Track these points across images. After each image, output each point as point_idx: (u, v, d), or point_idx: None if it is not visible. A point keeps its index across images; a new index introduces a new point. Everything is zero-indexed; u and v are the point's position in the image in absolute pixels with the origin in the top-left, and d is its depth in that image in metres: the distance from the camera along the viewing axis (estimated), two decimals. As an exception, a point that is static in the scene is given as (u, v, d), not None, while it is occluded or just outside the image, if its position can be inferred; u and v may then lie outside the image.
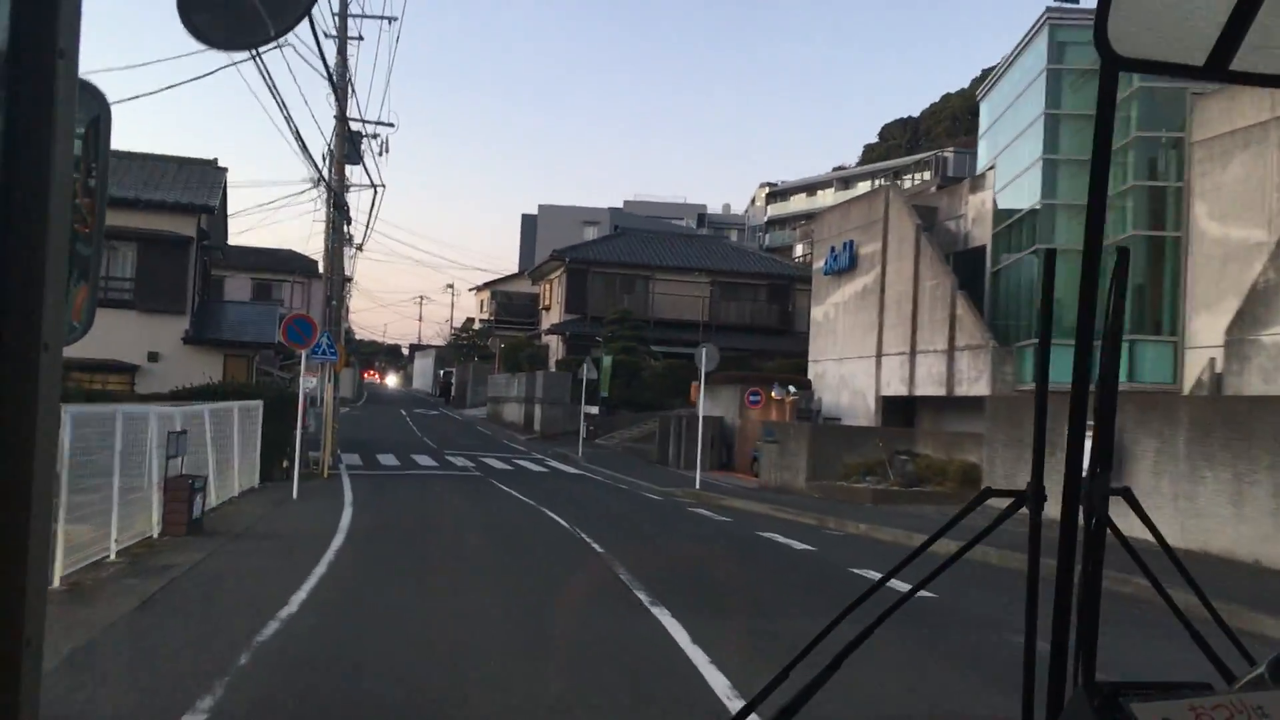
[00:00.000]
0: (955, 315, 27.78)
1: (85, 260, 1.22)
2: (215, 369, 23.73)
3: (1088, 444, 1.27)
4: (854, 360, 33.59)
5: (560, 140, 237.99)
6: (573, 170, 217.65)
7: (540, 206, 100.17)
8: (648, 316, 46.74)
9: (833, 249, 35.25)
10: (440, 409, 61.26)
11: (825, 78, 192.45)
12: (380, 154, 27.41)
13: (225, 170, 25.72)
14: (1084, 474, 1.27)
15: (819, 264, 36.85)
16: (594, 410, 40.73)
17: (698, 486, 22.87)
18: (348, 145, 25.56)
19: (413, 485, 21.74)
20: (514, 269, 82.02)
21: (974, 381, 26.79)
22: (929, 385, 28.96)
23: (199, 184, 24.30)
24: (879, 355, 31.75)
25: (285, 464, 22.87)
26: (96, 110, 1.22)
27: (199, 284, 25.32)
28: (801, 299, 49.85)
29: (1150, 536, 1.40)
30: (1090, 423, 1.25)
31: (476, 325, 72.66)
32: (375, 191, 33.09)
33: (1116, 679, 1.10)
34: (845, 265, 34.31)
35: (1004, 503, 1.37)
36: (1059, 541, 1.27)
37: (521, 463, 29.74)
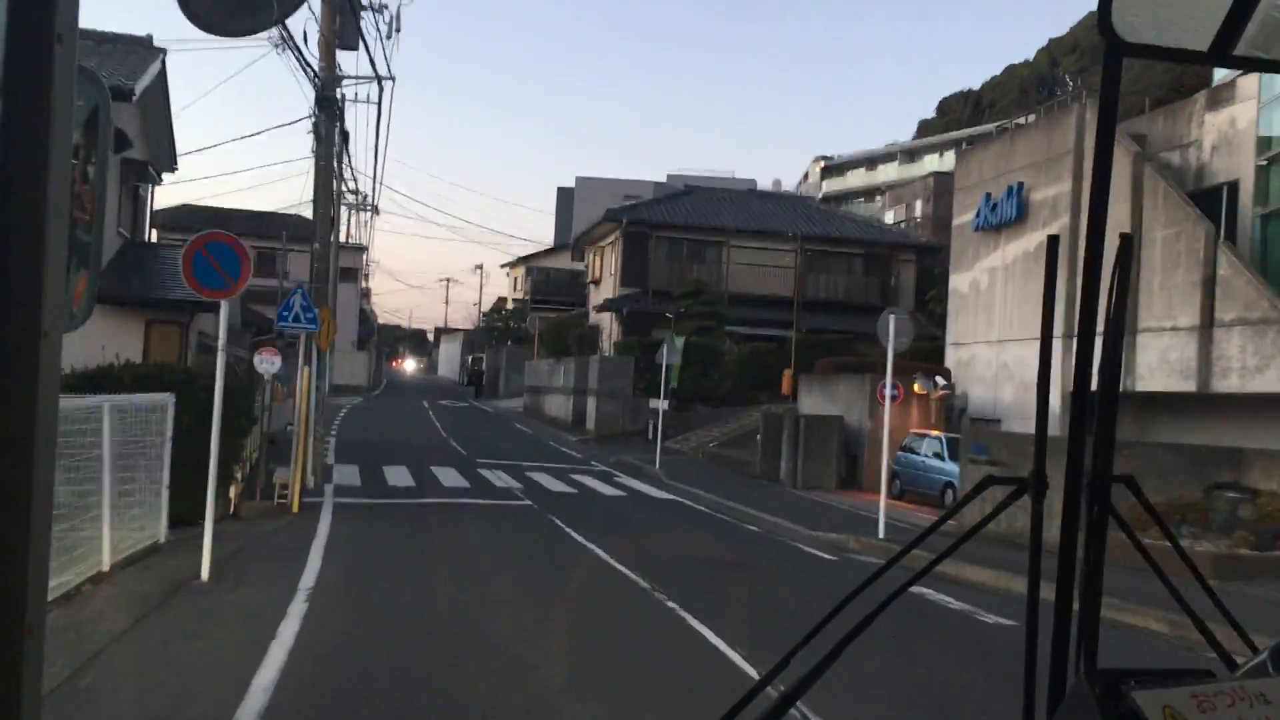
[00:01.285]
0: (1215, 277, 19.22)
1: (85, 247, 1.22)
2: (133, 341, 15.62)
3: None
4: (1022, 343, 25.06)
5: (598, 113, 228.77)
6: (611, 144, 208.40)
7: (578, 179, 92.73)
8: (721, 291, 38.30)
9: (988, 197, 26.71)
10: (469, 400, 53.06)
11: (875, 52, 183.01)
12: (389, 35, 18.92)
13: (163, 52, 17.50)
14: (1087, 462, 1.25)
15: (964, 218, 28.29)
16: (662, 405, 32.43)
17: (882, 535, 14.47)
18: (340, 16, 17.26)
19: (430, 533, 13.50)
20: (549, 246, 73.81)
21: (1255, 371, 18.27)
22: (1163, 376, 20.45)
23: (118, 65, 16.13)
24: (1068, 335, 23.25)
25: (236, 492, 14.72)
26: (96, 97, 1.21)
27: (119, 216, 17.15)
28: (906, 271, 41.39)
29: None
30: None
31: (510, 305, 64.34)
32: (380, 88, 24.65)
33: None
34: (1009, 217, 25.78)
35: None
36: (1061, 529, 1.25)
37: (584, 480, 21.43)
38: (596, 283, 44.46)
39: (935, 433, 23.38)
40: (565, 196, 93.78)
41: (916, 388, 24.66)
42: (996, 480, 1.38)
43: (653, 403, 32.91)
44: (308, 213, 23.88)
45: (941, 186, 47.76)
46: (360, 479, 18.87)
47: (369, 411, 38.76)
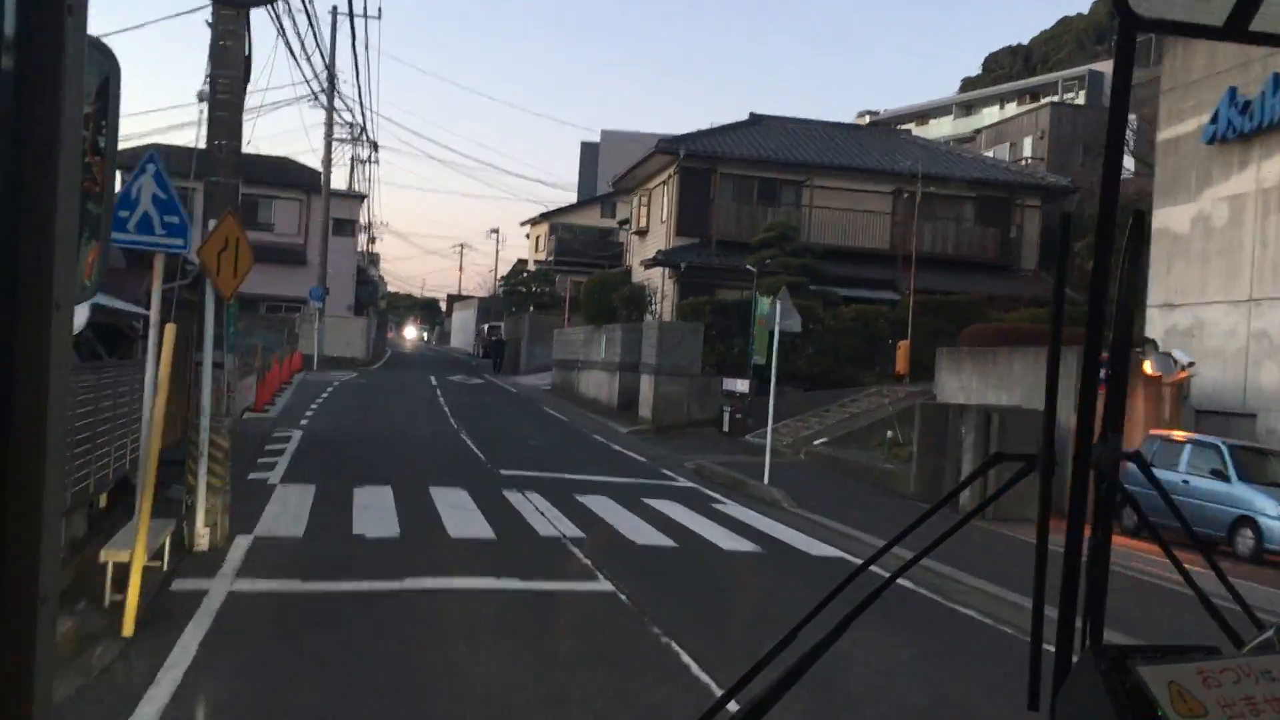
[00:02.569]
0: None
1: (95, 219, 1.24)
2: None
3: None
4: (1299, 302, 17.09)
5: (620, 67, 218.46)
6: (636, 99, 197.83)
7: (604, 133, 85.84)
8: (803, 242, 30.27)
9: (1232, 94, 18.58)
10: (486, 375, 45.07)
11: (913, 7, 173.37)
12: None
13: None
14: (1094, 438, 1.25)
15: (1180, 128, 20.15)
16: (741, 387, 24.68)
17: None
18: None
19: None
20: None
21: None
22: None
23: None
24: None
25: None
26: (106, 69, 1.22)
27: None
28: (1030, 219, 33.32)
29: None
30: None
31: (531, 267, 56.32)
32: None
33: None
34: (1273, 118, 17.69)
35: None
36: (1068, 506, 1.23)
37: (670, 511, 13.57)
38: (642, 233, 36.46)
39: (1201, 437, 15.39)
40: (589, 152, 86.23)
41: (1148, 368, 16.67)
42: (1005, 456, 1.35)
43: (728, 383, 25.11)
44: (306, 157, 15.69)
45: (1060, 121, 39.52)
46: (308, 520, 11.08)
47: (361, 391, 30.96)
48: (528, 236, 69.36)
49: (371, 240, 71.96)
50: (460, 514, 12.02)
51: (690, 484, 16.75)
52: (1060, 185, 33.61)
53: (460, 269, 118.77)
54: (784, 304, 16.53)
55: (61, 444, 0.84)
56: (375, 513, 11.69)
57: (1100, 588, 1.24)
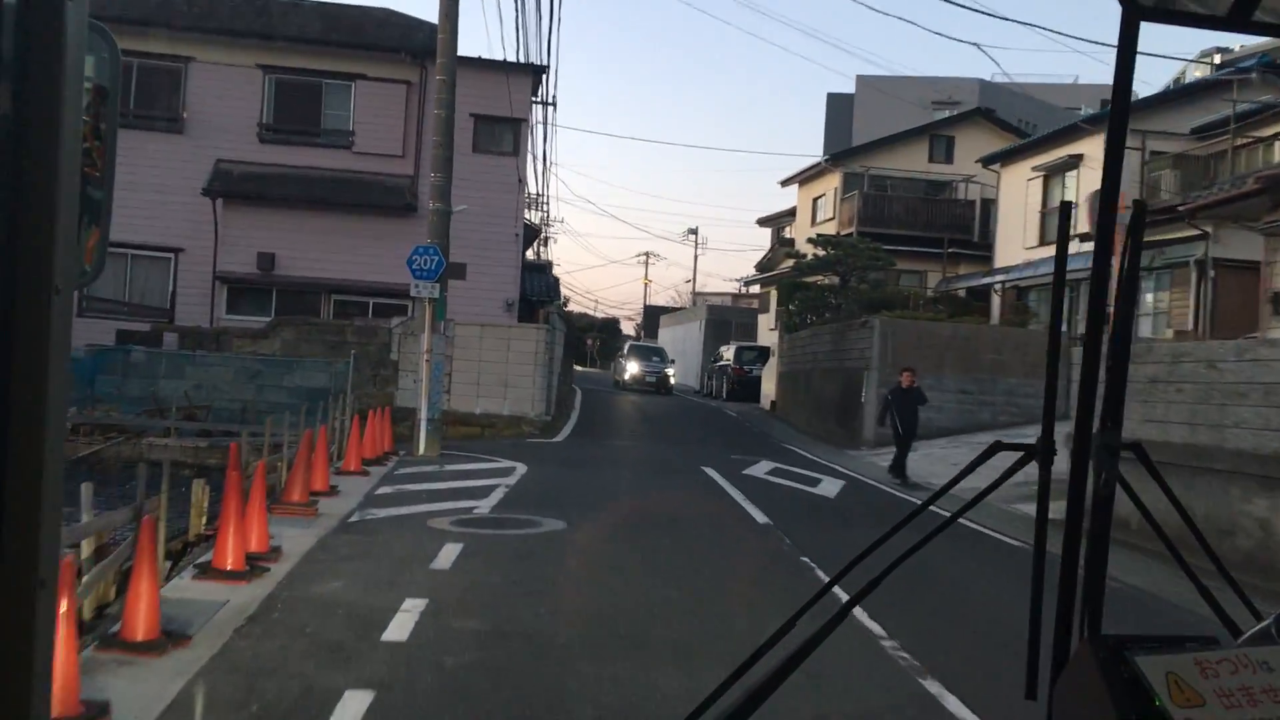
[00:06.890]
0: None
1: (96, 204, 1.23)
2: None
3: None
4: None
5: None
6: (898, 39, 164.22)
7: (859, 79, 63.99)
8: None
9: None
10: (810, 453, 20.57)
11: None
12: None
13: None
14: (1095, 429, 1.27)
15: None
16: None
17: None
18: None
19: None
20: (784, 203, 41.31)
21: None
22: None
23: None
24: None
25: None
26: (106, 52, 1.22)
27: None
28: None
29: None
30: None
31: (810, 246, 32.17)
32: None
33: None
34: None
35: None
36: (1068, 496, 1.26)
37: None
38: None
39: None
40: (839, 105, 63.62)
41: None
42: (1004, 445, 1.36)
43: None
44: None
45: None
46: None
47: (525, 555, 7.38)
48: (799, 193, 44.28)
49: (545, 239, 48.96)
50: None
51: None
52: None
53: (647, 281, 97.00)
54: None
55: (61, 429, 0.84)
56: None
57: (1099, 577, 1.23)
